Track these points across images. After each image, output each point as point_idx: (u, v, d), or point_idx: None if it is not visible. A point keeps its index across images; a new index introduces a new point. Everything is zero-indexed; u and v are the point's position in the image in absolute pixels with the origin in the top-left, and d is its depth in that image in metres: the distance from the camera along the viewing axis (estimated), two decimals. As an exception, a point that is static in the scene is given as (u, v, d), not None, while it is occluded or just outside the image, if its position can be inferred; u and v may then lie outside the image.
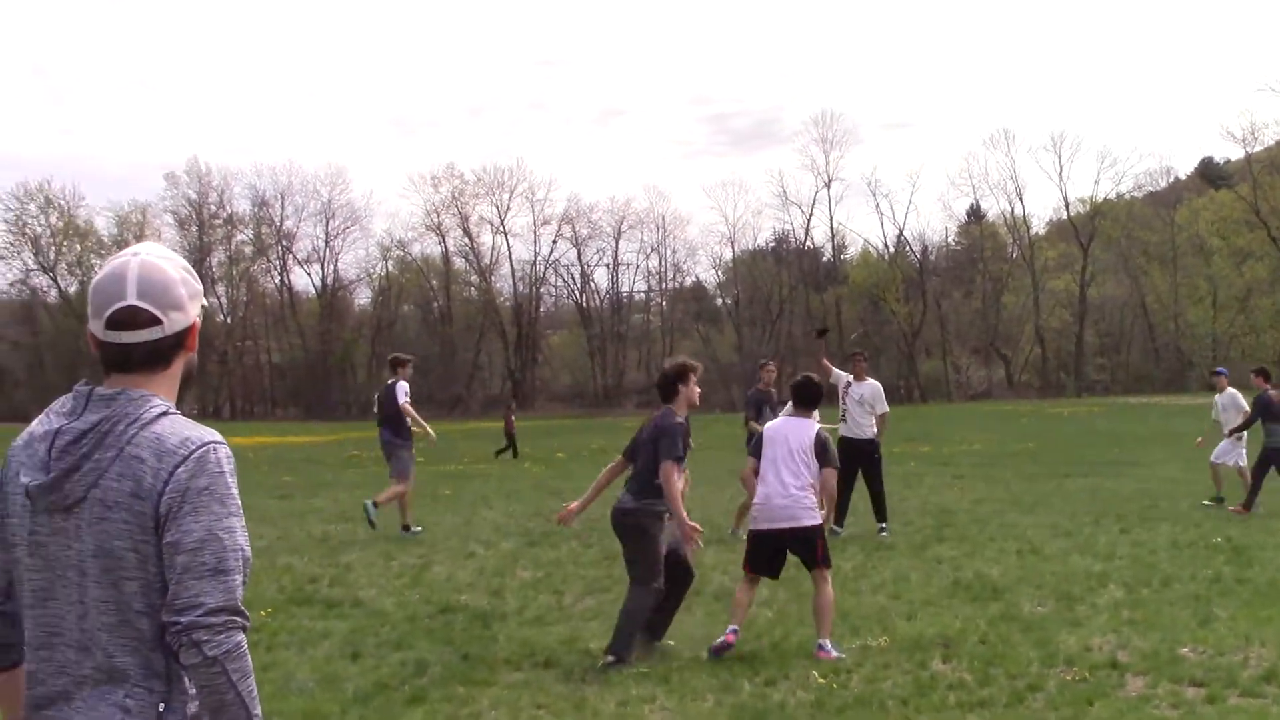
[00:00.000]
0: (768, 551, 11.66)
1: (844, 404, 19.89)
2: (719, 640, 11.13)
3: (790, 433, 11.80)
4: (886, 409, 20.14)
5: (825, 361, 19.39)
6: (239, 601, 3.29)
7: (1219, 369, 24.93)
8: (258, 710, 3.35)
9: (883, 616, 12.56)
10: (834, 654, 10.86)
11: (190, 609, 3.19)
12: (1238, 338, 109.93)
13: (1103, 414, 67.09)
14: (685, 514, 11.10)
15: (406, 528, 20.28)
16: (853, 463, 18.75)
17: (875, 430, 19.82)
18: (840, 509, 19.14)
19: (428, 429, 20.94)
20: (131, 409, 3.30)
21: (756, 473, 11.75)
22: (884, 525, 19.24)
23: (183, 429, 3.34)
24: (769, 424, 12.49)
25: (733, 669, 10.46)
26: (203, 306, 3.56)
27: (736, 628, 11.40)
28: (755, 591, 11.84)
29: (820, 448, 11.57)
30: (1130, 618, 12.29)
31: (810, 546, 11.42)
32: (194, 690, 3.29)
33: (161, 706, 3.28)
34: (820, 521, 11.52)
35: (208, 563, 3.22)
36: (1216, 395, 23.52)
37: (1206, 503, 22.29)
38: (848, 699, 9.44)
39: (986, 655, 10.75)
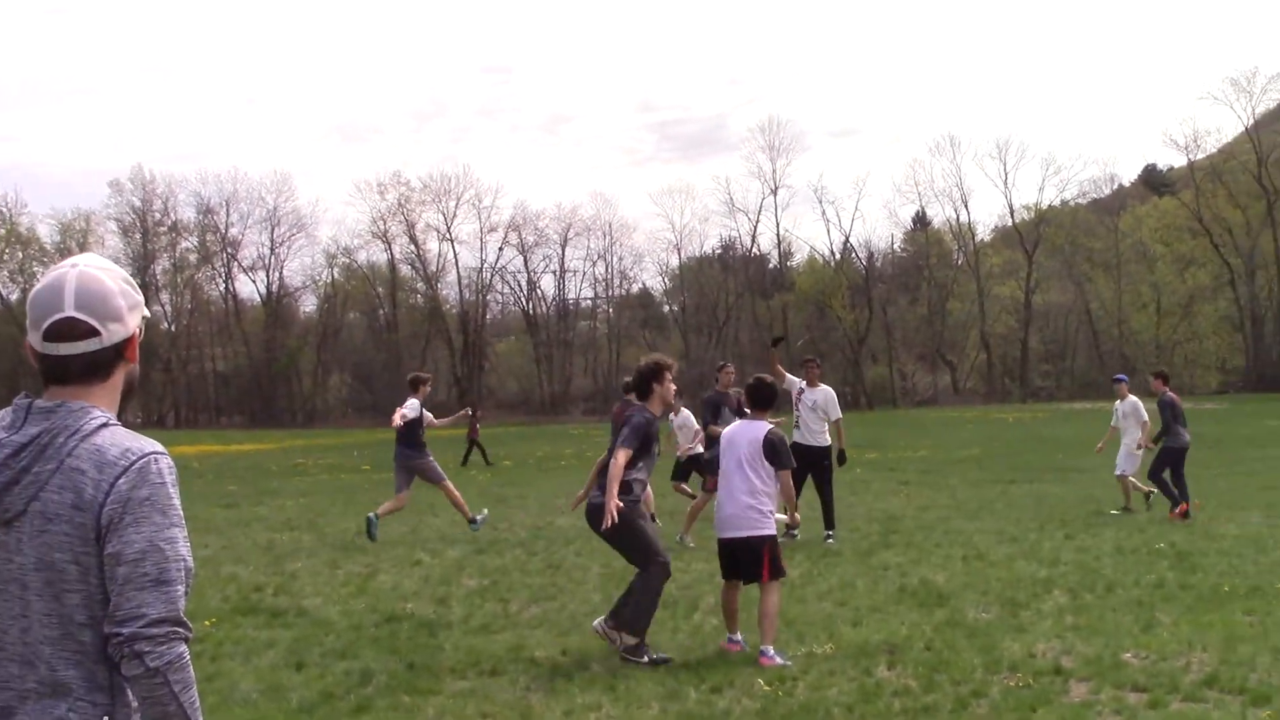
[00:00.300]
0: (727, 558, 11.72)
1: (797, 410, 19.91)
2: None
3: (743, 437, 11.79)
4: (840, 415, 20.16)
5: (779, 368, 19.35)
6: (181, 612, 3.27)
7: (1119, 375, 24.91)
8: None
9: (828, 623, 12.56)
10: (777, 660, 10.88)
11: (132, 620, 3.18)
12: (1181, 344, 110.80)
13: (1048, 420, 67.43)
14: (615, 497, 11.17)
15: (369, 527, 20.43)
16: (804, 469, 18.76)
17: (828, 437, 19.85)
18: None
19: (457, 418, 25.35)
20: (71, 421, 3.28)
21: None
22: (831, 533, 19.27)
23: (123, 440, 3.32)
24: (726, 429, 12.49)
25: (678, 676, 10.44)
26: (144, 317, 3.52)
27: (732, 637, 11.51)
28: (738, 596, 11.80)
29: (770, 449, 11.53)
30: (1074, 623, 12.34)
31: (756, 558, 11.41)
32: (137, 703, 3.28)
33: (105, 719, 3.25)
34: (770, 532, 11.53)
35: (149, 573, 3.20)
36: (1117, 402, 23.47)
37: (1114, 511, 22.39)
38: (793, 706, 9.44)
39: (931, 661, 10.77)
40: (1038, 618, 12.72)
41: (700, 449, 20.75)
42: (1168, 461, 21.67)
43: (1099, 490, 26.25)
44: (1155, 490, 22.09)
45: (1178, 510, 21.10)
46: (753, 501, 11.46)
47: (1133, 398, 22.96)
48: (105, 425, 3.32)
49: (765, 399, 12.20)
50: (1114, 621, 12.38)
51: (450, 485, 20.76)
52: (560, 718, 9.26)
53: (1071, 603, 13.52)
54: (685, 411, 21.18)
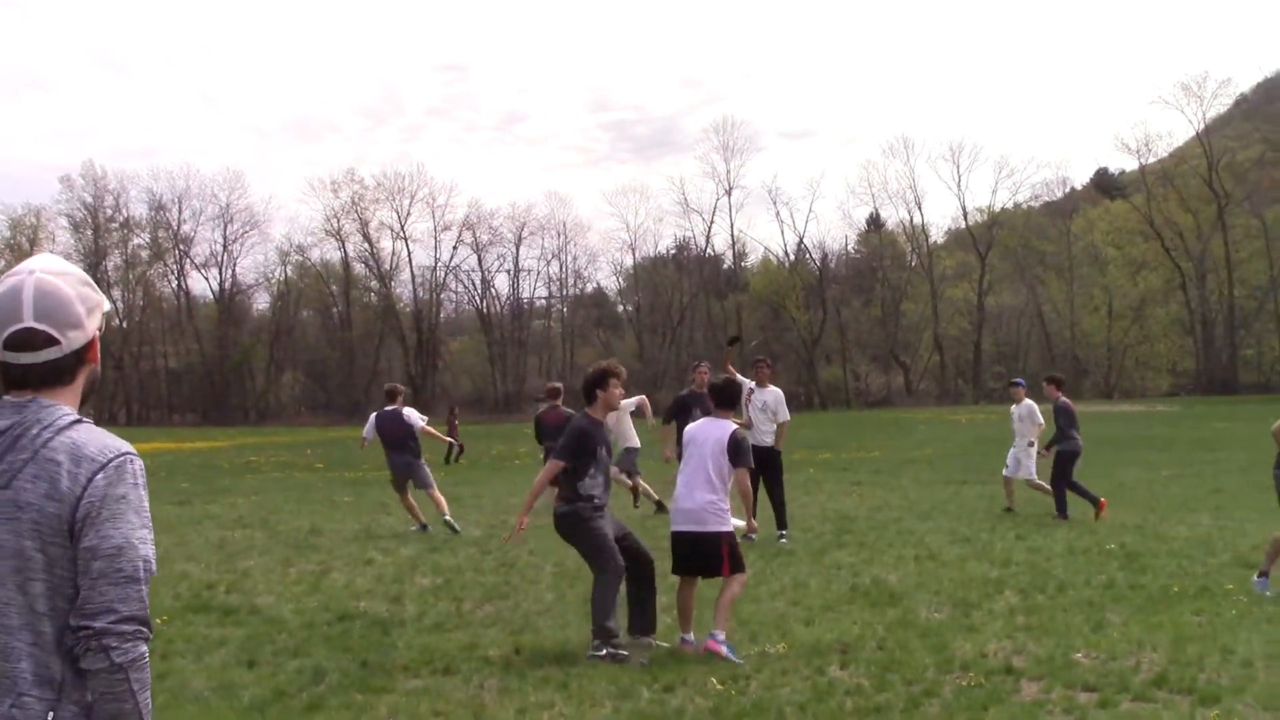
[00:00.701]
0: (683, 552, 11.71)
1: (747, 411, 19.92)
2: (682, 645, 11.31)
3: (708, 435, 11.85)
4: (787, 417, 20.21)
5: (730, 367, 19.39)
6: (147, 612, 3.37)
7: (1016, 380, 24.97)
8: None
9: (781, 623, 12.60)
10: (723, 649, 10.97)
11: (103, 614, 3.27)
12: (1132, 347, 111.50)
13: (1000, 421, 67.57)
14: (528, 511, 11.65)
15: (424, 526, 21.54)
16: (755, 470, 18.76)
17: (775, 437, 19.90)
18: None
19: (443, 438, 26.57)
20: (44, 415, 3.36)
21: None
22: (784, 532, 19.31)
23: (100, 437, 3.42)
24: (690, 425, 12.57)
25: (631, 674, 10.45)
26: (104, 314, 3.58)
27: (688, 636, 11.49)
28: (693, 593, 11.80)
29: (734, 448, 11.60)
30: (1025, 623, 12.41)
31: (714, 553, 11.47)
32: (81, 699, 3.34)
33: (50, 715, 3.30)
34: (729, 529, 11.58)
35: (124, 570, 3.30)
36: (1013, 406, 23.49)
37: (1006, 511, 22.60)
38: (745, 705, 9.46)
39: (884, 661, 10.81)
40: (989, 618, 12.78)
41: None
42: (1064, 465, 21.88)
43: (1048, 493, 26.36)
44: (1049, 491, 22.28)
45: (1098, 507, 21.33)
46: (713, 498, 11.52)
47: (1029, 401, 22.99)
48: (79, 421, 3.42)
49: (730, 398, 12.25)
50: (1065, 621, 12.46)
51: (437, 491, 21.67)
52: (514, 716, 9.26)
53: (1023, 603, 13.59)
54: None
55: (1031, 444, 22.68)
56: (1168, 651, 11.00)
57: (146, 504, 3.44)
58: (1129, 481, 28.33)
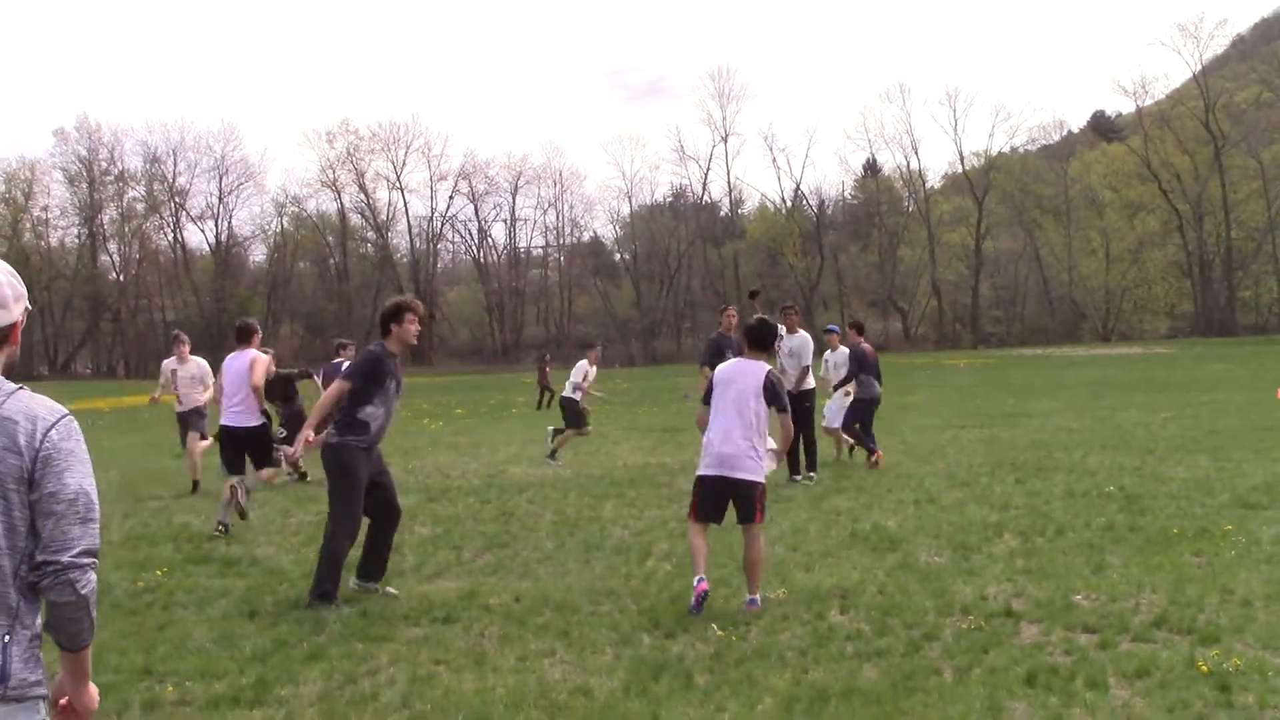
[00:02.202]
0: (714, 498, 11.33)
1: (778, 358, 20.11)
2: (694, 597, 11.01)
3: (740, 376, 11.45)
4: (809, 362, 20.43)
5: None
6: (98, 545, 3.95)
7: (830, 326, 24.38)
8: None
9: (781, 569, 12.60)
10: (761, 607, 10.90)
11: (67, 550, 3.82)
12: (1130, 290, 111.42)
13: (998, 366, 67.76)
14: (312, 429, 11.69)
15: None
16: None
17: (811, 380, 20.20)
18: (790, 460, 19.80)
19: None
20: None
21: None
22: (813, 474, 19.63)
23: (44, 400, 3.96)
24: (720, 367, 11.97)
25: (632, 621, 10.46)
26: (25, 309, 4.03)
27: (702, 577, 11.24)
28: (707, 537, 11.57)
29: (770, 391, 11.25)
30: (1025, 566, 12.41)
31: (749, 500, 11.17)
32: (32, 624, 3.87)
33: (6, 638, 3.80)
34: (764, 477, 11.30)
35: (80, 512, 3.86)
36: (828, 353, 23.16)
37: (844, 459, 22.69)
38: (746, 651, 9.46)
39: (884, 605, 10.81)
40: (989, 561, 12.79)
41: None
42: (859, 412, 22.08)
43: (1049, 435, 26.40)
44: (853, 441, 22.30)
45: (873, 459, 21.45)
46: (754, 442, 11.18)
47: (844, 348, 22.74)
48: (21, 388, 3.92)
49: (763, 339, 11.75)
50: (1064, 564, 12.46)
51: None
52: (514, 664, 9.26)
53: (1022, 546, 13.60)
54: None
55: (848, 393, 22.41)
56: (1167, 592, 11.00)
57: (88, 455, 3.97)
58: (1127, 424, 28.33)
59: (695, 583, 11.06)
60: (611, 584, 12.10)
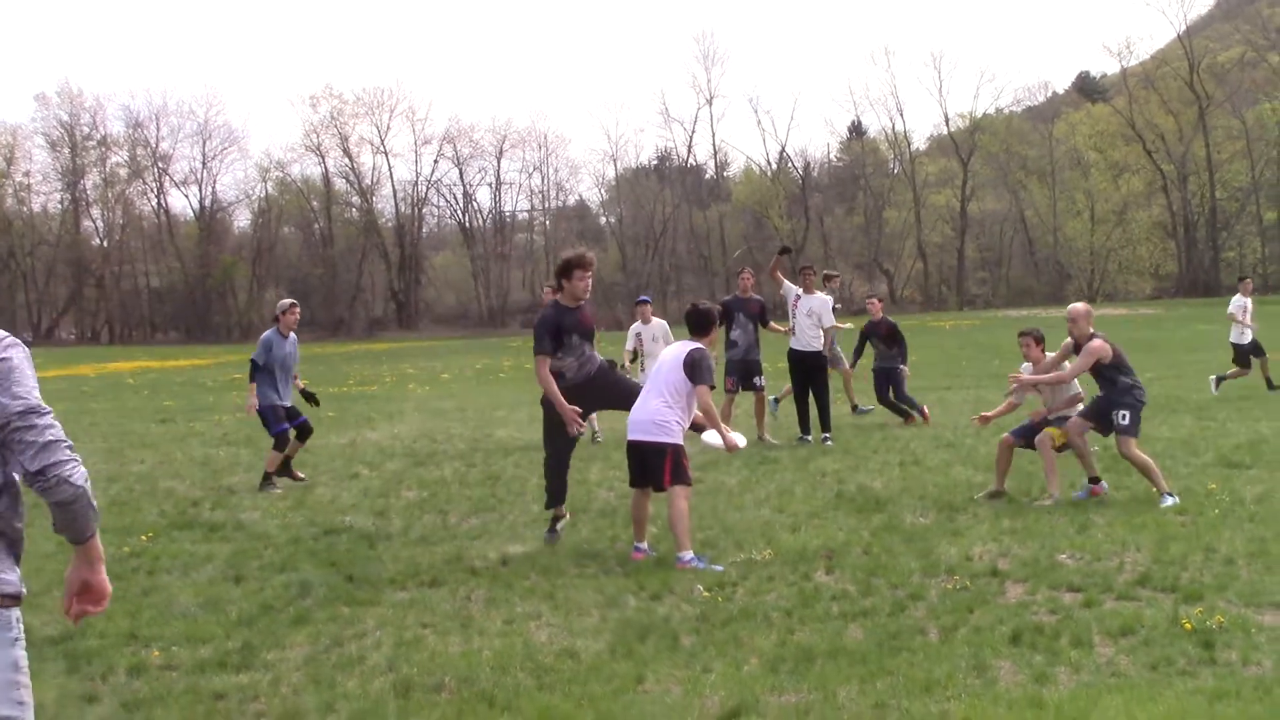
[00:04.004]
0: (633, 461, 11.96)
1: (793, 317, 20.22)
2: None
3: (669, 355, 12.14)
4: (832, 322, 20.62)
5: (778, 275, 20.08)
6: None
7: (643, 297, 23.33)
8: None
9: (767, 530, 12.64)
10: (697, 564, 11.09)
11: (53, 449, 4.23)
12: (1115, 250, 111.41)
13: (984, 327, 67.85)
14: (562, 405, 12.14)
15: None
16: (802, 375, 20.24)
17: (822, 342, 20.24)
18: (801, 418, 20.49)
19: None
20: None
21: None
22: (827, 435, 19.88)
23: None
24: (668, 346, 12.79)
25: (618, 584, 10.49)
26: None
27: (639, 545, 11.69)
28: (647, 504, 11.94)
29: (690, 365, 11.71)
30: (1010, 527, 12.46)
31: (653, 463, 11.65)
32: (60, 523, 4.38)
33: None
34: (673, 441, 11.66)
35: (45, 419, 4.26)
36: (639, 325, 21.96)
37: None
38: (732, 611, 9.49)
39: (869, 566, 10.86)
40: (974, 521, 12.84)
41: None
42: (883, 382, 22.70)
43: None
44: None
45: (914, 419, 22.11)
46: (663, 410, 11.69)
47: (659, 320, 22.17)
48: None
49: (701, 325, 12.30)
50: (1049, 524, 12.52)
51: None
52: (501, 627, 9.28)
53: (1007, 506, 13.67)
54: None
55: None
56: (1151, 551, 11.06)
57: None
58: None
59: (632, 551, 11.66)
60: (597, 546, 12.17)
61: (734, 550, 11.69)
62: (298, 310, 17.36)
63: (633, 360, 20.93)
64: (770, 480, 15.74)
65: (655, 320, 21.42)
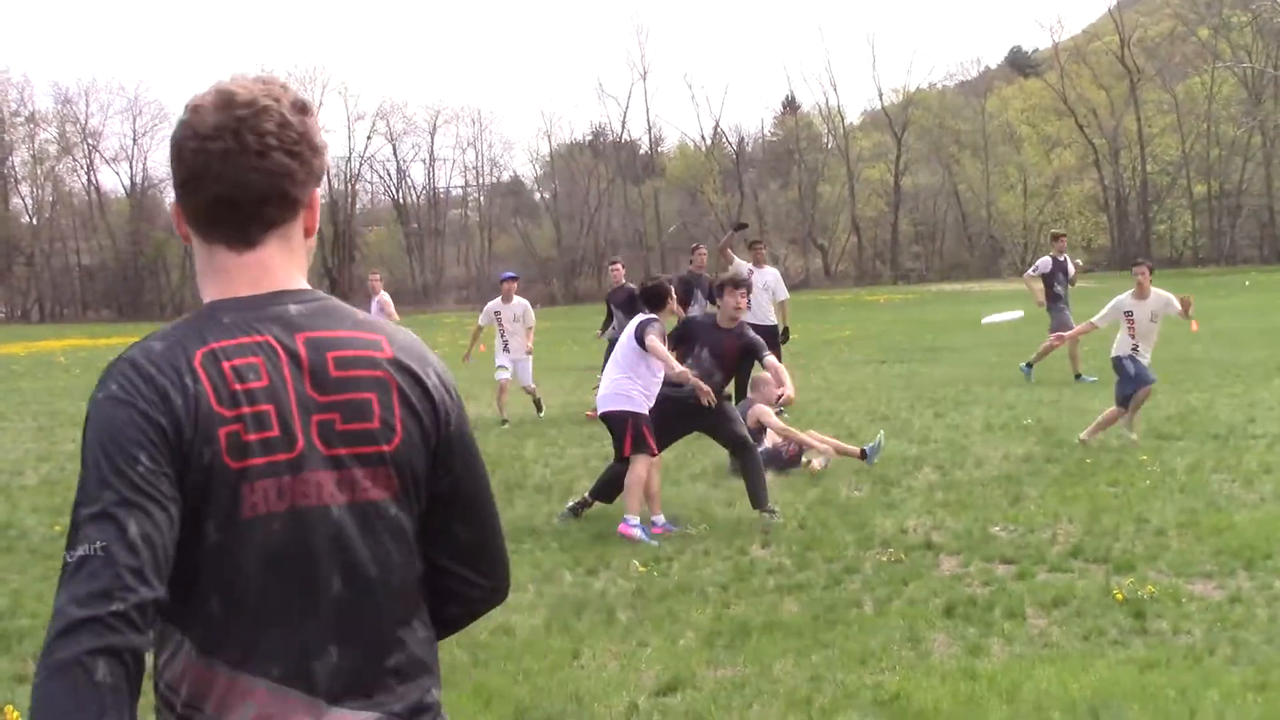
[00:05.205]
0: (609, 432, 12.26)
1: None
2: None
3: (627, 330, 12.30)
4: (786, 295, 20.84)
5: (728, 251, 20.47)
6: None
7: (508, 274, 22.54)
8: None
9: (703, 504, 12.70)
10: (635, 531, 11.24)
11: None
12: (1048, 224, 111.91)
13: (917, 301, 68.12)
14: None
15: None
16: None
17: (775, 316, 20.34)
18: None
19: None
20: None
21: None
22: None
23: None
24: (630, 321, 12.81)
25: (554, 559, 10.52)
26: None
27: (657, 518, 11.92)
28: (654, 475, 12.10)
29: (639, 335, 11.86)
30: (944, 499, 12.55)
31: (618, 432, 11.87)
32: None
33: None
34: (633, 409, 11.80)
35: None
36: (500, 303, 21.19)
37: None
38: (668, 586, 9.53)
39: (805, 540, 10.92)
40: (908, 495, 12.93)
41: None
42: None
43: (968, 370, 26.59)
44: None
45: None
46: (623, 381, 11.86)
47: (521, 299, 21.35)
48: None
49: (654, 299, 12.36)
50: (983, 496, 12.62)
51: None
52: (436, 603, 9.27)
53: (942, 479, 13.75)
54: None
55: (529, 351, 21.20)
56: (1084, 523, 11.17)
57: None
58: (1047, 357, 28.53)
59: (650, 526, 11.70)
60: (534, 522, 12.18)
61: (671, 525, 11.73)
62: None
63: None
64: (706, 455, 15.76)
65: (517, 299, 21.04)
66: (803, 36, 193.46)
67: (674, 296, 12.37)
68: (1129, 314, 16.23)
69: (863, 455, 14.60)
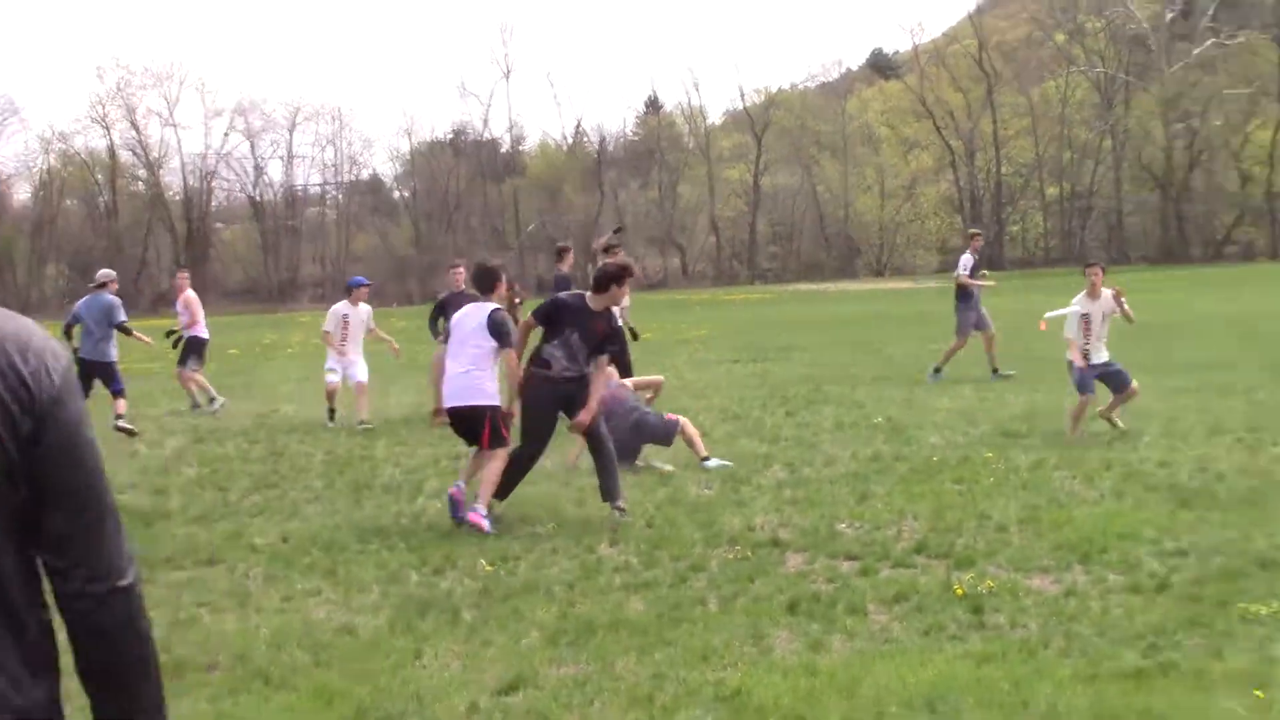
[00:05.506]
0: (458, 428, 12.34)
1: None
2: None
3: (467, 318, 12.24)
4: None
5: (599, 251, 20.38)
6: None
7: (357, 279, 21.78)
8: None
9: (551, 503, 12.66)
10: (484, 523, 11.32)
11: None
12: (904, 225, 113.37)
13: (774, 301, 68.57)
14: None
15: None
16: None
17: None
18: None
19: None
20: None
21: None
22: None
23: None
24: (456, 314, 12.75)
25: (400, 559, 10.43)
26: None
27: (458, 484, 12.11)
28: (483, 461, 12.20)
29: (494, 328, 11.90)
30: (792, 497, 12.62)
31: (476, 426, 11.92)
32: None
33: None
34: (492, 403, 11.94)
35: None
36: (347, 306, 20.70)
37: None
38: (515, 585, 9.49)
39: (653, 538, 10.92)
40: (757, 492, 12.98)
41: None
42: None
43: (821, 369, 26.77)
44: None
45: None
46: (475, 374, 11.93)
47: (367, 306, 20.82)
48: None
49: (486, 284, 12.49)
50: (830, 494, 12.70)
51: None
52: (279, 604, 9.18)
53: (790, 477, 13.82)
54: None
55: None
56: (928, 519, 11.29)
57: None
58: (898, 356, 28.85)
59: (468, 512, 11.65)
60: (381, 522, 12.08)
61: (519, 524, 11.69)
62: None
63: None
64: (556, 453, 15.72)
65: (363, 305, 20.62)
66: (667, 36, 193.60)
67: (504, 281, 12.37)
68: (1085, 316, 15.89)
69: (703, 460, 14.63)
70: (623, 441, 13.51)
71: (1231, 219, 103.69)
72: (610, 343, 12.57)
